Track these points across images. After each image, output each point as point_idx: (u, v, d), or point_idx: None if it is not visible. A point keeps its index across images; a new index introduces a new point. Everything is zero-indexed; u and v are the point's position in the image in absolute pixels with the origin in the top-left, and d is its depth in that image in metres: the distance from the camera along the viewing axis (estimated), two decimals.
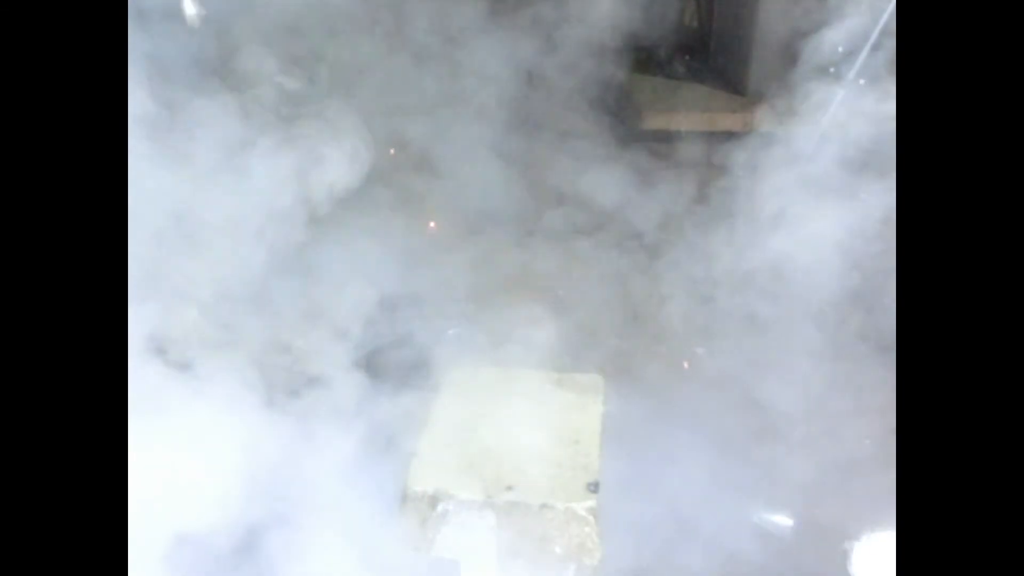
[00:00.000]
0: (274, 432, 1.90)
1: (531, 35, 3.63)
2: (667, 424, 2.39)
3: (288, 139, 2.93)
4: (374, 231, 2.94)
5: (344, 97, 3.38)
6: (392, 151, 3.61)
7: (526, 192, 3.61)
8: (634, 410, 2.37)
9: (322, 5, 3.34)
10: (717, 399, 2.61)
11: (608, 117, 4.30)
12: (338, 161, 3.14)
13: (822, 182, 2.66)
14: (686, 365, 2.82)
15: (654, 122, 4.45)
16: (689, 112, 4.52)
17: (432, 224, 3.53)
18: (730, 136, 3.60)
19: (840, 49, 2.94)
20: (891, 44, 2.98)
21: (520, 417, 1.94)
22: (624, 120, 4.54)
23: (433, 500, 1.72)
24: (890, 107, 2.63)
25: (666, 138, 4.27)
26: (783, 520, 2.29)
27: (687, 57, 5.01)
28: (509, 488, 1.73)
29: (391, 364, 2.50)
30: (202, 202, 2.32)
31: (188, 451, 1.71)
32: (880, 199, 2.40)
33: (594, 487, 1.72)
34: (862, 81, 2.97)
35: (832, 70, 2.95)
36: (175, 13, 2.84)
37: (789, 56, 2.90)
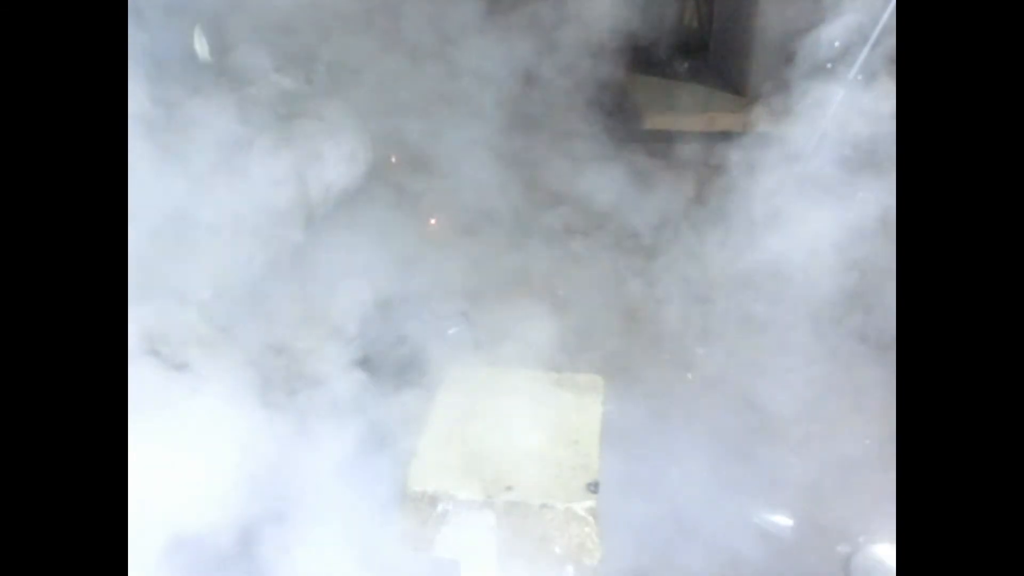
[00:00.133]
0: (272, 431, 1.90)
1: (530, 35, 3.63)
2: (667, 424, 2.39)
3: (285, 138, 2.93)
4: (371, 230, 2.94)
5: (341, 96, 3.39)
6: (393, 158, 3.61)
7: (525, 192, 3.61)
8: (634, 410, 2.37)
9: (321, 4, 3.34)
10: (717, 399, 2.61)
11: (608, 117, 4.30)
12: (335, 160, 3.14)
13: (822, 182, 2.66)
14: (689, 375, 2.81)
15: (654, 122, 4.45)
16: (689, 112, 4.53)
17: (433, 221, 3.53)
18: (730, 136, 3.59)
19: (839, 49, 2.94)
20: (891, 42, 2.98)
21: (520, 417, 1.94)
22: (624, 120, 4.55)
23: (433, 500, 1.72)
24: (890, 106, 2.63)
25: (666, 138, 4.28)
26: (783, 520, 2.29)
27: (687, 57, 5.01)
28: (509, 488, 1.73)
29: (389, 363, 2.50)
30: (198, 201, 2.31)
31: (186, 451, 1.71)
32: (880, 198, 2.40)
33: (594, 487, 1.72)
34: (862, 80, 2.97)
35: (832, 68, 2.95)
36: (171, 9, 2.83)
37: (789, 56, 2.90)
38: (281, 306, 2.53)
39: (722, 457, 2.32)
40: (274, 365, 2.27)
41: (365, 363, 2.44)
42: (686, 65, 4.95)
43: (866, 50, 3.00)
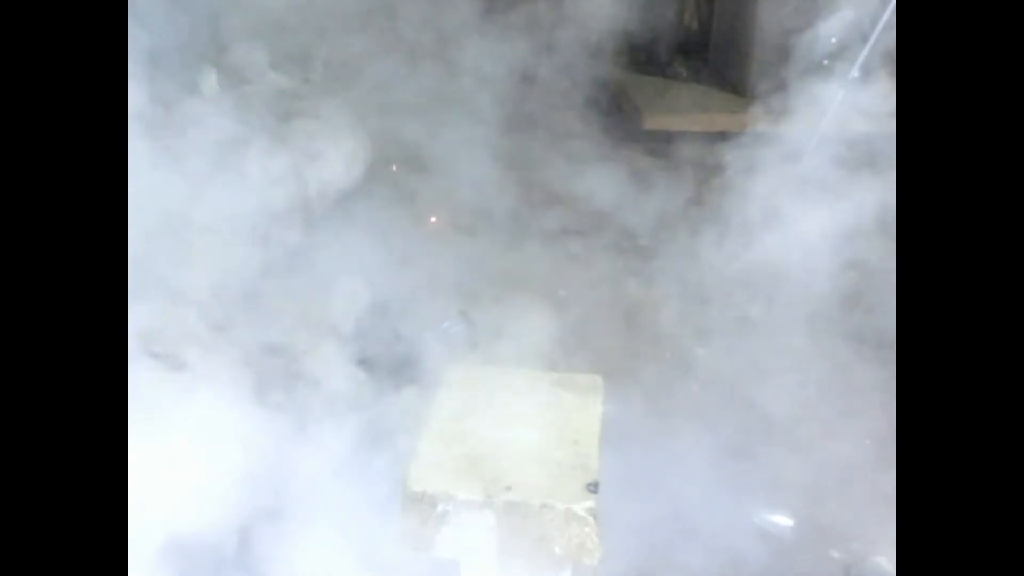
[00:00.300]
0: (271, 431, 1.90)
1: (530, 34, 3.63)
2: (667, 424, 2.39)
3: (282, 137, 2.93)
4: (369, 230, 2.94)
5: (339, 96, 3.38)
6: (391, 159, 3.61)
7: (524, 192, 3.61)
8: (634, 410, 2.37)
9: (318, 3, 3.34)
10: (717, 399, 2.61)
11: (607, 117, 4.30)
12: (333, 160, 3.14)
13: (822, 182, 2.66)
14: (689, 375, 2.81)
15: (653, 122, 4.45)
16: (688, 112, 4.52)
17: (432, 220, 3.53)
18: (730, 136, 3.60)
19: (839, 49, 2.95)
20: (889, 42, 2.98)
21: (519, 417, 1.93)
22: (623, 120, 4.55)
23: (433, 500, 1.72)
24: (888, 106, 2.63)
25: (665, 138, 4.28)
26: (783, 520, 2.29)
27: (686, 57, 5.01)
28: (508, 488, 1.72)
29: (387, 362, 2.50)
30: (195, 201, 2.31)
31: (184, 451, 1.71)
32: (880, 198, 2.40)
33: (594, 487, 1.72)
34: (861, 81, 2.97)
35: (831, 68, 2.95)
36: (168, 5, 2.83)
37: (789, 56, 2.91)
38: (279, 306, 2.52)
39: (722, 457, 2.32)
40: (272, 365, 2.27)
41: (363, 362, 2.44)
42: (685, 65, 4.95)
43: (865, 50, 3.01)
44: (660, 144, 4.22)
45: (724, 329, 2.92)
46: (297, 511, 1.87)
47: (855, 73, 2.97)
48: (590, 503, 1.70)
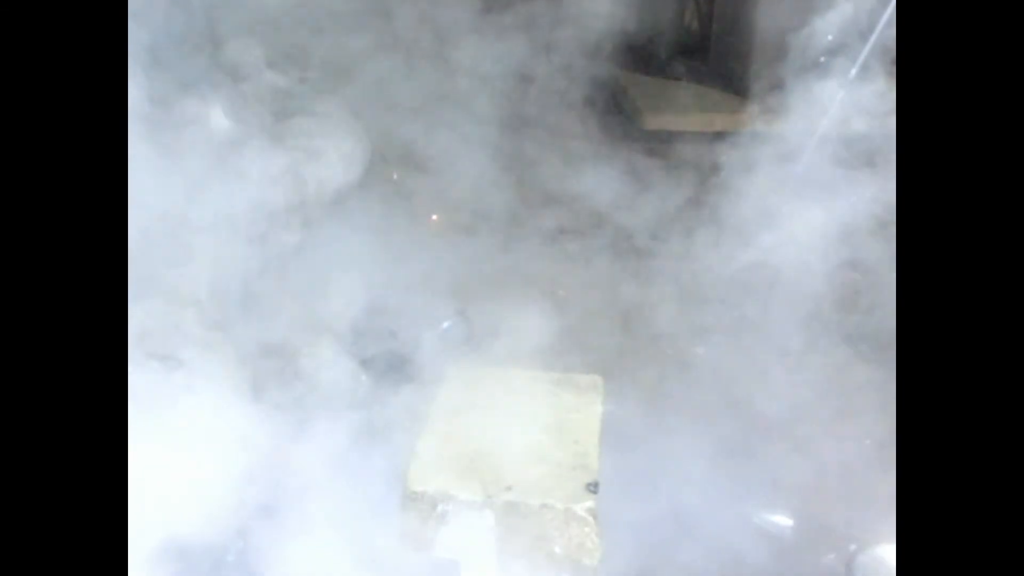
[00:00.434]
0: (269, 430, 1.89)
1: (528, 34, 3.62)
2: (667, 424, 2.38)
3: (279, 136, 2.92)
4: (367, 229, 2.94)
5: (337, 94, 3.38)
6: (389, 159, 3.60)
7: (522, 192, 3.61)
8: (634, 410, 2.37)
9: (315, 1, 3.33)
10: (716, 399, 2.61)
11: (606, 117, 4.30)
12: (331, 159, 3.13)
13: (822, 182, 2.66)
14: (688, 375, 2.81)
15: (653, 122, 4.45)
16: (688, 112, 4.53)
17: (431, 219, 3.52)
18: (729, 136, 3.59)
19: (837, 49, 2.95)
20: (889, 42, 2.98)
21: (519, 417, 1.94)
22: (623, 120, 4.54)
23: (433, 500, 1.72)
24: (887, 105, 2.63)
25: (665, 138, 4.28)
26: (783, 520, 2.29)
27: (686, 57, 5.01)
28: (508, 488, 1.73)
29: (386, 361, 2.50)
30: (192, 200, 2.31)
31: (183, 450, 1.71)
32: (879, 198, 2.40)
33: (594, 487, 1.72)
34: (861, 80, 2.97)
35: (829, 68, 2.95)
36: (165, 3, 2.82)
37: (789, 57, 2.90)
38: (277, 305, 2.52)
39: (721, 457, 2.32)
40: (270, 364, 2.27)
41: (362, 361, 2.43)
42: (685, 65, 4.95)
43: (865, 50, 3.00)
44: (659, 144, 4.22)
45: (723, 329, 2.92)
46: (295, 510, 1.87)
47: (853, 73, 2.97)
48: (590, 503, 1.70)
